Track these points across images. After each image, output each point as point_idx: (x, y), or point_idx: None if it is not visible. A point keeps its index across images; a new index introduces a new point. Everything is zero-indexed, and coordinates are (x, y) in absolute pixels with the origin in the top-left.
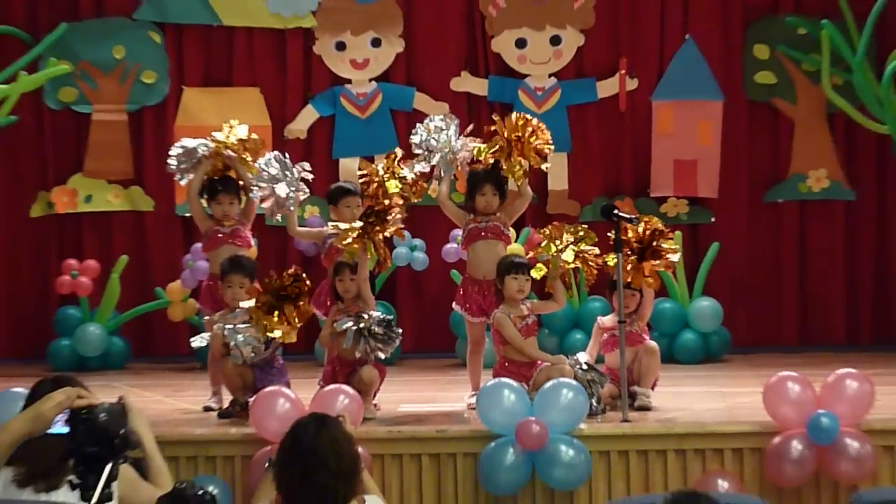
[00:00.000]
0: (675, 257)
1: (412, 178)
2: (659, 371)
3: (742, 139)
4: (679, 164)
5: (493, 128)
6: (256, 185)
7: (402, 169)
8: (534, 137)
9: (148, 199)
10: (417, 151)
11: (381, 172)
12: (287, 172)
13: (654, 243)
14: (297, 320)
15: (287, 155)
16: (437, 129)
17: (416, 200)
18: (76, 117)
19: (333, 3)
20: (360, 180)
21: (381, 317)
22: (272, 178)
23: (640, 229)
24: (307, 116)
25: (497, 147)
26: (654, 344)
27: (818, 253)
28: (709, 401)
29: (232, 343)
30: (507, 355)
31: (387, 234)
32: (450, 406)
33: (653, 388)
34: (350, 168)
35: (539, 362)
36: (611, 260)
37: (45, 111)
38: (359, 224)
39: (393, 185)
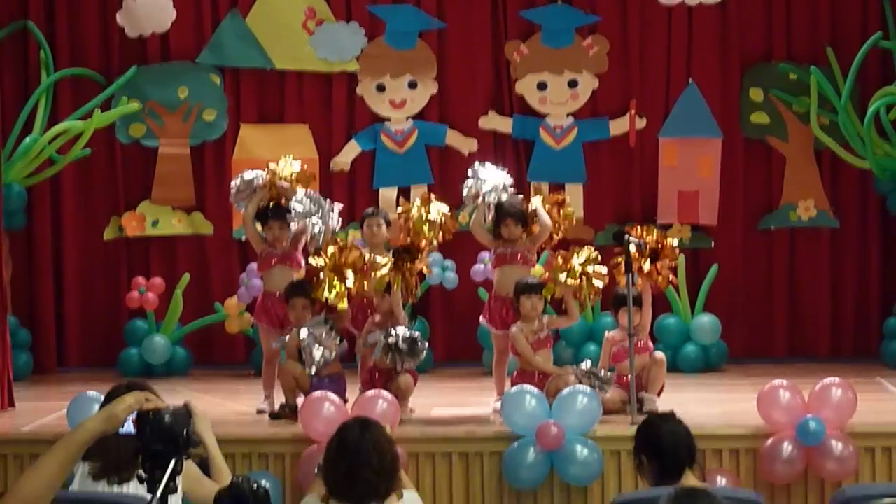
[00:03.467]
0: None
1: (440, 221)
2: (664, 379)
3: (739, 172)
4: (682, 195)
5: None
6: (293, 219)
7: (430, 213)
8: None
9: (208, 224)
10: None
11: (415, 213)
12: (319, 207)
13: (662, 246)
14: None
15: (328, 190)
16: (481, 180)
17: (441, 239)
18: (144, 150)
19: (375, 50)
20: (399, 213)
21: (408, 334)
22: (304, 213)
23: (653, 236)
24: (350, 151)
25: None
26: (661, 355)
27: (806, 274)
28: (708, 406)
29: (307, 350)
30: (523, 366)
31: (417, 269)
32: (478, 410)
33: (659, 395)
34: (388, 197)
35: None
36: (619, 276)
37: (117, 145)
38: (389, 259)
39: (423, 226)
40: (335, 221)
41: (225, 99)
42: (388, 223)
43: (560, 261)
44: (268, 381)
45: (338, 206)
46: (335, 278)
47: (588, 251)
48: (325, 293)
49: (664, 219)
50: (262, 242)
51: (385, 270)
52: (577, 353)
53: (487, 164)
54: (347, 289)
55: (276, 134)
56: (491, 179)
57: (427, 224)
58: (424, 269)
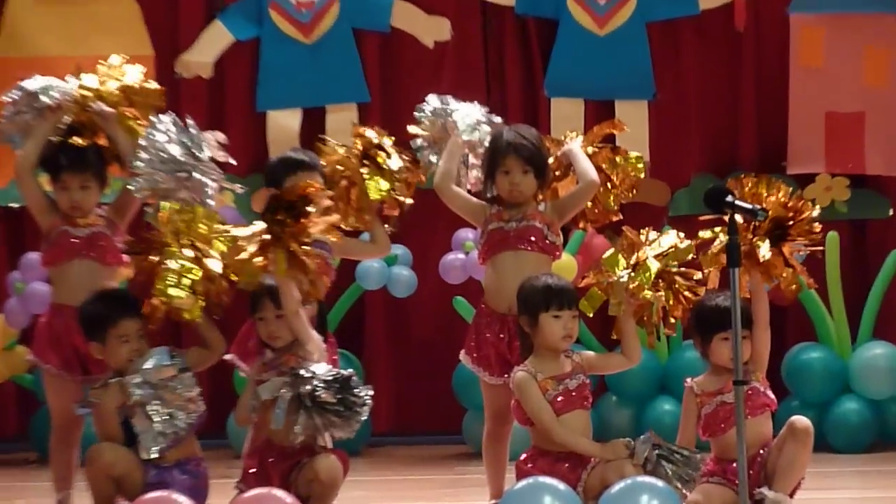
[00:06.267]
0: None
1: (406, 167)
2: (807, 463)
3: None
4: (834, 121)
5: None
6: (137, 179)
7: (391, 157)
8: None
9: None
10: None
11: (353, 161)
12: (193, 149)
13: (794, 215)
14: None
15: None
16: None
17: (408, 201)
18: None
19: None
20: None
21: (336, 373)
22: (170, 165)
23: (779, 198)
24: (214, 40)
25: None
26: (802, 421)
27: None
28: None
29: (140, 417)
30: (537, 443)
31: (313, 237)
32: None
33: (792, 495)
34: (286, 128)
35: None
36: (711, 269)
37: None
38: (260, 227)
39: (377, 188)
40: (213, 183)
41: None
42: (324, 176)
43: (619, 249)
44: (61, 470)
45: (219, 143)
46: (187, 261)
47: (672, 236)
48: (167, 290)
49: (799, 165)
50: (51, 212)
51: (252, 248)
52: (639, 418)
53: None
54: (211, 279)
55: (77, 12)
56: (466, 112)
57: (380, 177)
58: (325, 233)
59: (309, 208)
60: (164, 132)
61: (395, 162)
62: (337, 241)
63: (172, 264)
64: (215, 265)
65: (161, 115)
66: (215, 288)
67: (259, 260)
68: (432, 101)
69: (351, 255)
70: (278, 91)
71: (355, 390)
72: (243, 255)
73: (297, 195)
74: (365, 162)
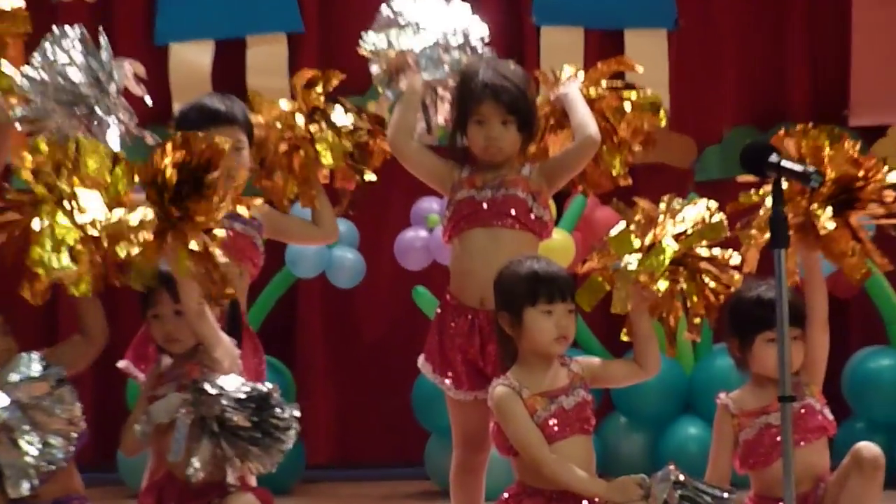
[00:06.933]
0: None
1: (364, 126)
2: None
3: None
4: None
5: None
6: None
7: (337, 111)
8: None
9: None
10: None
11: (302, 121)
12: (101, 78)
13: (859, 181)
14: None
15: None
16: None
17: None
18: None
19: None
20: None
21: (250, 388)
22: (68, 95)
23: (839, 159)
24: None
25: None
26: (872, 449)
27: None
28: None
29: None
30: (523, 478)
31: (218, 218)
32: None
33: None
34: (194, 66)
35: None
36: (750, 250)
37: None
38: (147, 211)
39: (329, 152)
40: (120, 126)
41: None
42: (251, 138)
43: (629, 225)
44: None
45: (136, 75)
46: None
47: (699, 208)
48: (45, 259)
49: (864, 116)
50: None
51: (145, 237)
52: (657, 446)
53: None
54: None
55: None
56: (431, 24)
57: (331, 139)
58: (244, 202)
59: (212, 178)
60: (67, 51)
61: (341, 117)
62: (269, 216)
63: (50, 224)
64: (91, 215)
65: (66, 28)
66: (100, 252)
67: (150, 245)
68: (382, 15)
69: (285, 236)
70: (184, 18)
71: (276, 410)
72: (133, 250)
73: (194, 162)
74: (315, 117)
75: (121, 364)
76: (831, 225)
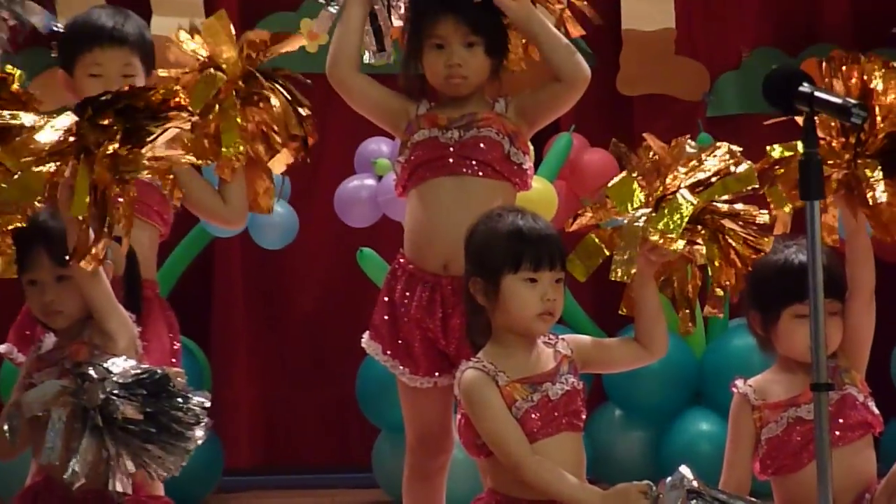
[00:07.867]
0: None
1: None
2: None
3: None
4: None
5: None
6: None
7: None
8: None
9: None
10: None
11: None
12: None
13: None
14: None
15: None
16: None
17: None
18: None
19: None
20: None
21: (142, 371)
22: None
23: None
24: None
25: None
26: None
27: None
28: None
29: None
30: (496, 485)
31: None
32: None
33: None
34: None
35: None
36: (779, 209)
37: None
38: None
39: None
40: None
41: None
42: (151, 70)
43: (632, 172)
44: None
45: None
46: None
47: (721, 153)
48: None
49: None
50: None
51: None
52: (661, 444)
53: None
54: None
55: None
56: None
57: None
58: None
59: (157, 124)
60: None
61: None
62: (183, 173)
63: None
64: None
65: None
66: None
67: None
68: None
69: (189, 203)
70: None
71: (178, 400)
72: (38, 168)
73: (146, 97)
74: (249, 68)
75: (1, 348)
76: (882, 193)
